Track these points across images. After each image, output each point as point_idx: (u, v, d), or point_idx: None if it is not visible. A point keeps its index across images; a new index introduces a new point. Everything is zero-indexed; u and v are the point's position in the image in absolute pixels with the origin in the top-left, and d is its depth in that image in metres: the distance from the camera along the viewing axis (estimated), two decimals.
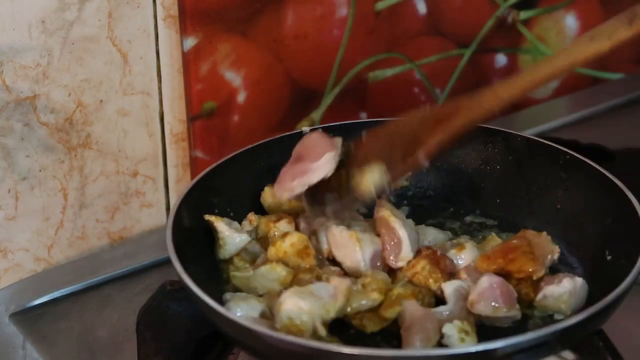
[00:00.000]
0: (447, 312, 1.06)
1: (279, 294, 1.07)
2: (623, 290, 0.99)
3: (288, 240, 1.13)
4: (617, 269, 1.05)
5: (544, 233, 1.14)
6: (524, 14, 1.58)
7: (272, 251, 1.13)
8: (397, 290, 1.08)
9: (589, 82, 1.69)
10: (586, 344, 1.00)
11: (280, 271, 1.10)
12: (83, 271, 1.30)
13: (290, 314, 1.02)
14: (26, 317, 1.24)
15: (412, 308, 1.05)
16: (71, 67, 1.24)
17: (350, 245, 1.12)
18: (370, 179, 1.12)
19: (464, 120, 1.09)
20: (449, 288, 1.08)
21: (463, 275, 1.11)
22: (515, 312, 1.05)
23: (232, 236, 1.14)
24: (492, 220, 1.23)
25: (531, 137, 1.24)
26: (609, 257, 1.09)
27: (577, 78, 1.68)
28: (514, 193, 1.23)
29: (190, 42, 1.31)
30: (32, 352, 1.20)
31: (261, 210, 1.22)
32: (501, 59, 1.59)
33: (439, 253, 1.12)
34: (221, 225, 1.14)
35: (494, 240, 1.17)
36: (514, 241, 1.12)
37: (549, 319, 1.06)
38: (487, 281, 1.06)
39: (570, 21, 1.63)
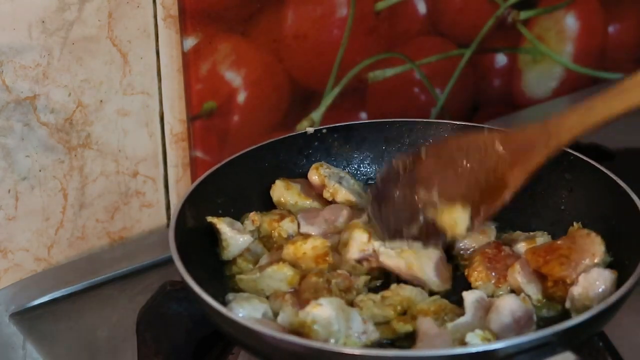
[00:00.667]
0: (466, 323, 1.04)
1: (284, 293, 1.07)
2: (626, 291, 0.99)
3: (310, 243, 1.13)
4: (620, 270, 1.06)
5: (593, 234, 1.12)
6: (524, 14, 1.58)
7: (289, 249, 1.13)
8: (421, 306, 1.07)
9: (589, 82, 1.69)
10: (586, 344, 1.00)
11: (287, 271, 1.10)
12: (83, 271, 1.30)
13: (316, 318, 1.00)
14: (26, 317, 1.24)
15: (426, 325, 1.03)
16: (71, 67, 1.24)
17: (415, 260, 1.11)
18: (463, 223, 1.12)
19: (543, 156, 1.10)
20: (469, 298, 1.06)
21: (517, 269, 1.10)
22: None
23: (234, 237, 1.14)
24: (496, 221, 1.23)
25: None
26: (612, 258, 1.09)
27: (577, 78, 1.68)
28: (517, 194, 1.23)
29: (190, 42, 1.31)
30: (32, 352, 1.20)
31: (264, 210, 1.22)
32: (501, 59, 1.59)
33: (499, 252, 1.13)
34: (223, 226, 1.14)
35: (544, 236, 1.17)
36: (559, 242, 1.12)
37: None
38: (508, 308, 1.04)
39: (570, 21, 1.63)
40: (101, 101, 1.28)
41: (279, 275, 1.10)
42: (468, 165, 1.13)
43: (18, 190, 1.26)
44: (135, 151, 1.33)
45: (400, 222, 1.13)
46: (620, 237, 1.10)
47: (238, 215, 1.19)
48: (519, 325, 1.03)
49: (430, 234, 1.13)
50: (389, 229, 1.13)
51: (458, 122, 1.28)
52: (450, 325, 1.03)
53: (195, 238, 1.12)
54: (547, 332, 0.94)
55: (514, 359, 0.93)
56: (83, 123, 1.28)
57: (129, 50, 1.28)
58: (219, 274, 1.14)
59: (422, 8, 1.49)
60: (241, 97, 1.37)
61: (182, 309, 1.10)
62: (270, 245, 1.17)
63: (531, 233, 1.18)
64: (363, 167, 1.29)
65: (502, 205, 1.12)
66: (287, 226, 1.18)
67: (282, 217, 1.19)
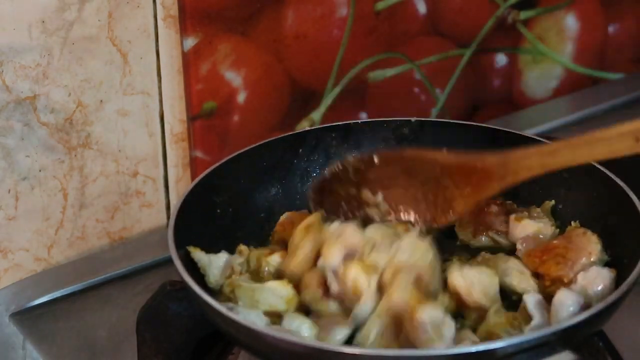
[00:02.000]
0: (539, 325, 1.02)
1: (280, 314, 1.04)
2: (625, 290, 0.99)
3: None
4: (619, 269, 1.06)
5: (589, 232, 1.12)
6: (524, 14, 1.58)
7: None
8: (494, 320, 1.04)
9: (589, 82, 1.69)
10: (586, 344, 1.00)
11: (290, 290, 1.06)
12: (83, 271, 1.30)
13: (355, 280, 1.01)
14: (26, 317, 1.24)
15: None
16: (71, 67, 1.24)
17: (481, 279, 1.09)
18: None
19: (495, 190, 1.10)
20: (530, 302, 1.05)
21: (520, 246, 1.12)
22: None
23: (209, 260, 1.09)
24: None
25: (532, 136, 1.24)
26: (609, 258, 1.09)
27: (577, 78, 1.68)
28: (515, 193, 1.23)
29: (190, 42, 1.31)
30: (32, 352, 1.20)
31: (263, 213, 1.22)
32: (501, 59, 1.59)
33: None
34: (197, 254, 1.09)
35: None
36: (555, 241, 1.12)
37: None
38: (568, 303, 1.03)
39: (571, 21, 1.63)
40: (101, 101, 1.28)
41: (281, 292, 1.06)
42: (418, 179, 1.14)
43: (18, 190, 1.26)
44: (135, 151, 1.33)
45: (342, 211, 1.16)
46: (619, 236, 1.10)
47: (237, 214, 1.19)
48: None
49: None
50: (331, 214, 1.16)
51: (458, 122, 1.28)
52: (528, 329, 1.02)
53: (195, 238, 1.12)
54: (547, 332, 0.94)
55: (514, 359, 0.93)
56: (83, 123, 1.28)
57: (129, 50, 1.28)
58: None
59: (422, 8, 1.49)
60: (241, 97, 1.37)
61: (182, 309, 1.10)
62: (258, 280, 1.11)
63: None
64: None
65: (444, 224, 1.14)
66: (276, 261, 1.12)
67: (271, 252, 1.13)
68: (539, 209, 1.19)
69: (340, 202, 1.17)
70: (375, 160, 1.16)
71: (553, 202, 1.20)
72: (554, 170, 1.08)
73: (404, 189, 1.15)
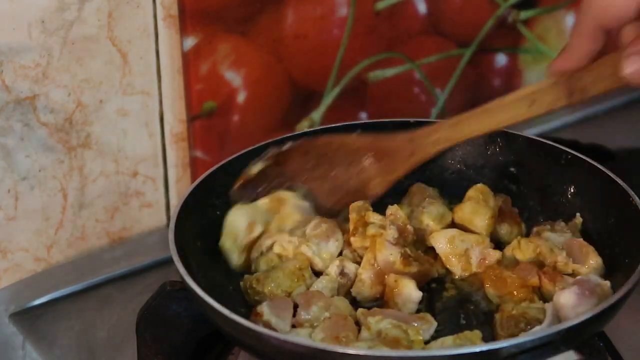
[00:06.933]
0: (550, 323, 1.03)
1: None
2: (628, 289, 0.99)
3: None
4: (620, 269, 1.06)
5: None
6: (524, 14, 1.58)
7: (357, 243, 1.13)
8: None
9: None
10: (587, 344, 1.00)
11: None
12: (83, 271, 1.30)
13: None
14: (26, 317, 1.24)
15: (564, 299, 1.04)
16: (71, 67, 1.24)
17: None
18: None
19: (405, 168, 1.15)
20: (549, 309, 1.05)
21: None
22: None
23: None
24: None
25: (532, 137, 1.24)
26: (611, 258, 1.10)
27: None
28: (515, 193, 1.23)
29: (190, 42, 1.31)
30: (32, 352, 1.20)
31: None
32: (501, 59, 1.59)
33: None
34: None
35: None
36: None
37: None
38: (569, 300, 1.04)
39: (571, 21, 1.63)
40: (101, 101, 1.28)
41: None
42: (334, 165, 1.17)
43: (18, 190, 1.26)
44: (135, 151, 1.33)
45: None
46: (620, 237, 1.10)
47: None
48: (586, 297, 1.03)
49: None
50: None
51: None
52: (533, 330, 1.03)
53: (195, 238, 1.12)
54: (549, 332, 0.94)
55: (517, 359, 0.93)
56: (83, 123, 1.28)
57: (128, 50, 1.28)
58: (219, 274, 1.13)
59: (422, 8, 1.49)
60: (241, 97, 1.37)
61: (182, 309, 1.10)
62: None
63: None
64: None
65: (364, 198, 1.16)
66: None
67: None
68: (563, 223, 1.18)
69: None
70: (291, 149, 1.18)
71: (581, 219, 1.18)
72: (459, 142, 1.14)
73: (321, 178, 1.17)
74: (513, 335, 1.02)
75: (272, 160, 1.18)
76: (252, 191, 1.17)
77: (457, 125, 1.12)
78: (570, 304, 1.02)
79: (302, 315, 1.04)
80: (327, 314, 1.04)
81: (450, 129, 1.12)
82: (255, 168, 1.18)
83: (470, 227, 1.17)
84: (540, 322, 1.03)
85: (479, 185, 1.21)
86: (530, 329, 1.02)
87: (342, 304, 1.07)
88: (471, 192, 1.20)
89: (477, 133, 1.12)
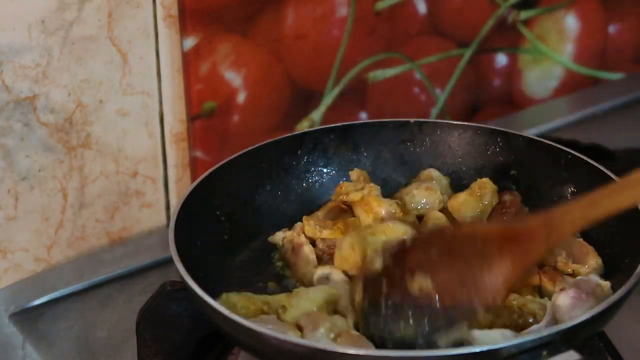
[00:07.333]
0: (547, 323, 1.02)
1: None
2: (628, 289, 0.99)
3: None
4: (620, 269, 1.06)
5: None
6: (524, 14, 1.58)
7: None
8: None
9: (589, 82, 1.69)
10: (586, 344, 1.00)
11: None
12: (83, 271, 1.30)
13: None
14: (26, 317, 1.24)
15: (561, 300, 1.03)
16: (71, 67, 1.24)
17: None
18: None
19: (543, 251, 1.06)
20: (549, 307, 1.04)
21: None
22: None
23: None
24: None
25: (532, 137, 1.24)
26: (611, 258, 1.10)
27: (577, 78, 1.68)
28: (515, 193, 1.23)
29: (190, 42, 1.31)
30: (32, 353, 1.20)
31: (262, 215, 1.22)
32: (501, 59, 1.59)
33: None
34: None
35: None
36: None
37: None
38: (566, 304, 1.03)
39: (571, 21, 1.63)
40: (101, 101, 1.28)
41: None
42: (462, 257, 1.06)
43: (18, 190, 1.26)
44: (135, 151, 1.33)
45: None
46: (620, 236, 1.10)
47: (237, 216, 1.19)
48: (582, 301, 1.02)
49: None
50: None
51: (458, 122, 1.28)
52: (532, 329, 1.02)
53: (195, 238, 1.12)
54: (549, 332, 0.94)
55: (517, 359, 0.93)
56: (83, 123, 1.28)
57: (128, 50, 1.28)
58: (220, 274, 1.13)
59: (422, 8, 1.49)
60: (241, 97, 1.37)
61: (182, 309, 1.10)
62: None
63: None
64: (360, 167, 1.28)
65: (500, 301, 1.05)
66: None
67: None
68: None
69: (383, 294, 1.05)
70: (408, 243, 1.08)
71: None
72: (597, 221, 1.04)
73: (448, 270, 1.06)
74: (505, 325, 1.01)
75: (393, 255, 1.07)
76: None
77: (595, 203, 1.04)
78: (566, 306, 1.02)
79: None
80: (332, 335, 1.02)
81: (588, 207, 1.04)
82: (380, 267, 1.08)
83: (456, 217, 1.17)
84: (535, 317, 1.03)
85: (484, 180, 1.20)
86: (524, 322, 1.02)
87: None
88: (473, 184, 1.20)
89: (616, 211, 1.04)
